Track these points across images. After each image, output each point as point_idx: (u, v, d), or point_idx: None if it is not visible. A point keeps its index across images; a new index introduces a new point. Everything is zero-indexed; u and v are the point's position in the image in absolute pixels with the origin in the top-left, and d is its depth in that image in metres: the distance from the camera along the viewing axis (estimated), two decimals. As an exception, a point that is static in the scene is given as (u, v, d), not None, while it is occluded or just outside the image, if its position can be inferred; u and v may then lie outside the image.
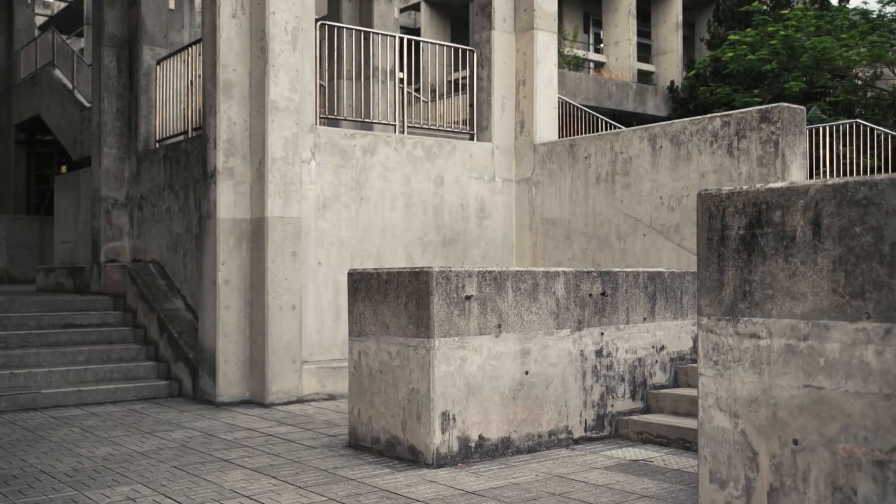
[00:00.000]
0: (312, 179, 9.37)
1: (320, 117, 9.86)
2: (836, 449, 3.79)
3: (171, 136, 11.35)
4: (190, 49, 10.76)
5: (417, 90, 13.93)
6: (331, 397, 9.07)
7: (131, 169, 11.85)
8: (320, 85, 10.07)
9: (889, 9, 19.01)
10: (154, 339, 10.22)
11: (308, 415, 8.14)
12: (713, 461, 4.27)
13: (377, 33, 11.14)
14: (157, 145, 11.61)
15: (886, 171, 11.51)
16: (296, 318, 8.86)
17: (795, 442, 3.95)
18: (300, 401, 8.85)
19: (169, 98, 11.35)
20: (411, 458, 6.05)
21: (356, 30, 10.98)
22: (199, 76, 10.10)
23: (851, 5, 21.35)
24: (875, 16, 18.82)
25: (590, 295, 6.75)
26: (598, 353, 6.82)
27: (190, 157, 10.38)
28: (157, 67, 11.61)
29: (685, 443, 6.41)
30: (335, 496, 5.16)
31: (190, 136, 10.73)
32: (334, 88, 11.58)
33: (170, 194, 10.85)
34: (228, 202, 8.89)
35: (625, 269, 7.12)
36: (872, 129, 11.69)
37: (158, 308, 10.23)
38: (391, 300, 6.24)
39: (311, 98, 9.31)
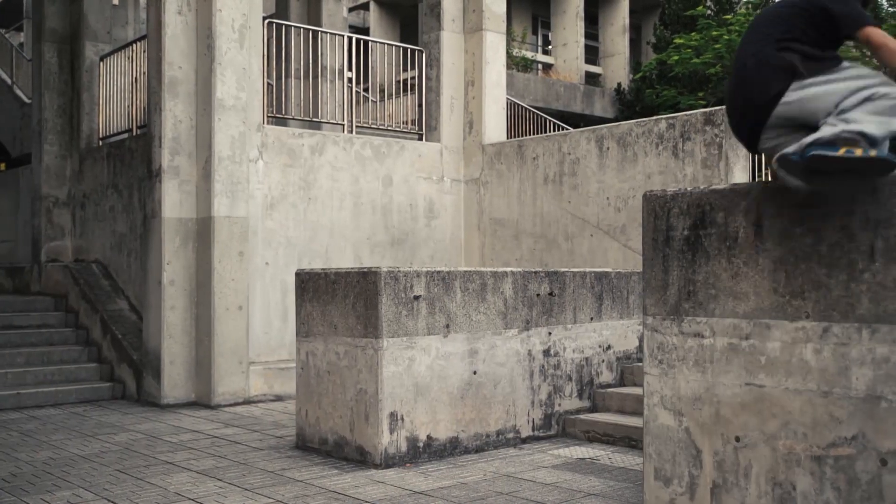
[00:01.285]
0: (260, 179, 9.29)
1: (268, 116, 9.78)
2: (777, 445, 3.88)
3: (114, 134, 11.16)
4: (135, 45, 10.59)
5: (366, 90, 13.88)
6: (278, 398, 9.00)
7: (73, 167, 11.62)
8: (268, 83, 9.99)
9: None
10: (97, 340, 10.03)
11: (255, 416, 8.07)
12: (658, 459, 4.34)
13: (326, 32, 11.08)
14: (101, 143, 11.40)
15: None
16: (243, 318, 8.77)
17: (737, 439, 4.03)
18: (247, 402, 8.76)
19: (113, 95, 11.15)
20: (359, 458, 6.04)
21: (304, 28, 10.91)
22: (144, 73, 9.94)
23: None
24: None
25: (537, 295, 6.80)
26: (546, 353, 6.88)
27: (134, 156, 10.22)
28: (101, 64, 11.40)
29: (631, 441, 6.49)
30: (282, 498, 5.12)
31: (134, 133, 10.56)
32: (282, 87, 11.49)
33: (113, 193, 10.66)
34: (174, 201, 8.77)
35: (572, 270, 7.18)
36: (812, 133, 11.95)
37: (102, 309, 10.05)
38: (339, 300, 6.22)
39: (258, 97, 9.22)
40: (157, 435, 7.20)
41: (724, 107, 8.54)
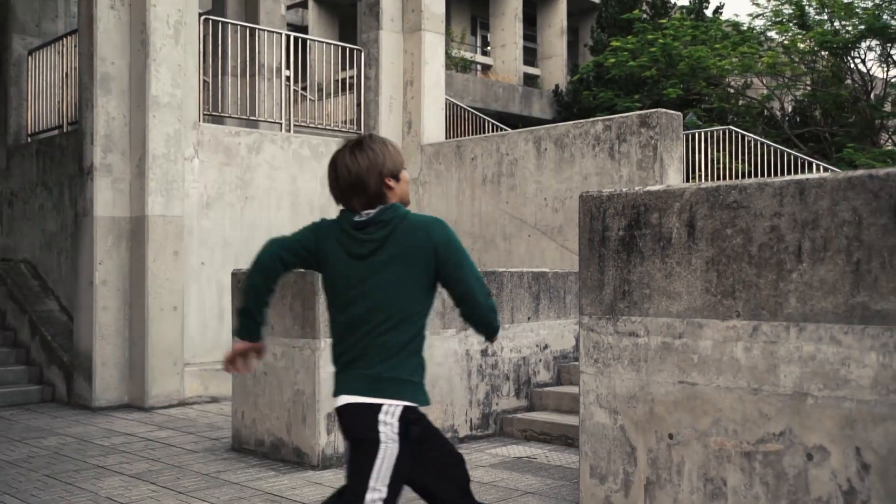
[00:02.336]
0: (195, 177, 9.15)
1: (204, 114, 9.64)
2: (708, 442, 3.96)
3: (44, 130, 10.88)
4: (65, 40, 10.33)
5: (304, 88, 13.78)
6: (214, 400, 8.87)
7: (0, 164, 11.29)
8: (204, 81, 9.84)
9: (758, 22, 19.96)
10: (25, 341, 9.77)
11: (190, 418, 7.95)
12: (594, 457, 4.39)
13: (263, 30, 10.97)
14: (30, 139, 11.11)
15: (755, 175, 12.07)
16: (177, 319, 8.63)
17: (671, 436, 4.10)
18: (182, 404, 8.63)
19: (42, 90, 10.87)
20: (296, 460, 5.99)
21: (241, 25, 10.78)
22: (75, 68, 9.71)
23: (724, 17, 22.32)
24: (745, 28, 19.72)
25: (476, 295, 6.82)
26: (484, 353, 6.91)
27: (65, 153, 9.97)
28: (30, 58, 11.10)
29: (567, 439, 6.56)
30: (217, 501, 5.05)
31: (65, 130, 10.31)
32: (219, 85, 11.33)
33: (43, 191, 10.39)
34: (106, 200, 8.59)
35: (510, 270, 7.23)
36: (743, 136, 12.24)
37: (30, 309, 9.78)
38: (276, 301, 6.15)
39: (194, 94, 9.08)
40: (88, 438, 7.04)
41: (659, 110, 8.70)
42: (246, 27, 10.83)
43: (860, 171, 3.55)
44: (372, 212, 2.80)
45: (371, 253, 2.78)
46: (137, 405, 8.50)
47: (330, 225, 2.90)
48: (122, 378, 8.62)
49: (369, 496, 2.67)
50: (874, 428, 3.44)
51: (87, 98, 8.67)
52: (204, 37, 9.62)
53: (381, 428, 2.70)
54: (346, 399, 2.76)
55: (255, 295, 2.95)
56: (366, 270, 2.77)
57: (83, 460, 6.22)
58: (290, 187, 9.97)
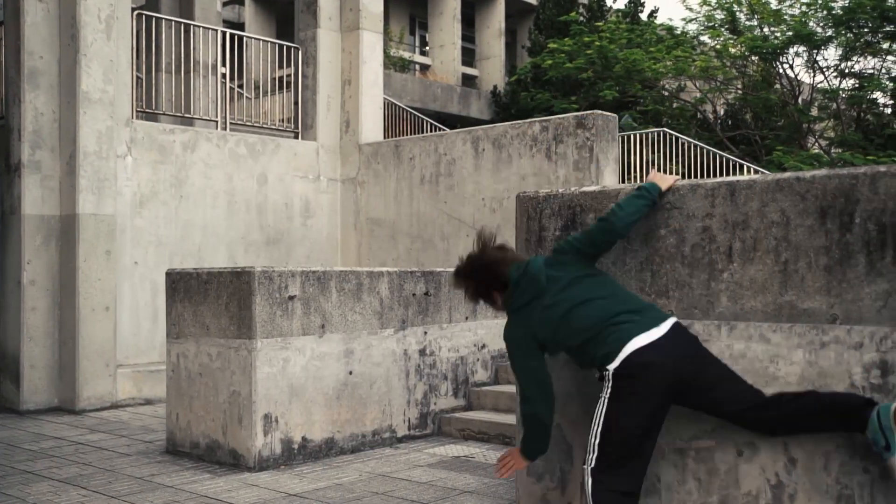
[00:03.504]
0: (128, 175, 8.98)
1: (137, 111, 9.46)
2: (643, 439, 4.01)
3: (-31, 126, 10.53)
4: (-9, 33, 10.03)
5: (241, 86, 13.60)
6: (148, 402, 8.72)
7: (-77, 160, 10.91)
8: (137, 77, 9.66)
9: (691, 26, 20.36)
10: (-51, 344, 9.46)
11: (123, 421, 7.79)
12: (530, 454, 4.41)
13: (198, 26, 10.81)
14: (-46, 135, 10.75)
15: (688, 177, 12.30)
16: (110, 319, 8.45)
17: (606, 433, 4.14)
18: (114, 406, 8.46)
19: (-33, 85, 10.52)
20: (232, 462, 5.92)
21: (176, 21, 10.60)
22: (2, 62, 9.44)
23: (658, 21, 22.70)
24: (679, 32, 20.09)
25: (413, 295, 6.84)
26: (422, 353, 6.92)
27: (-9, 149, 9.68)
28: (-46, 51, 10.74)
29: (505, 438, 6.61)
30: (151, 505, 4.97)
31: (-9, 126, 10.01)
32: (152, 81, 11.13)
33: (-32, 188, 10.07)
34: (35, 198, 8.37)
35: (448, 269, 7.24)
36: (677, 138, 12.46)
37: (-46, 311, 9.48)
38: (212, 301, 6.08)
39: (127, 90, 8.91)
40: (14, 443, 6.85)
41: (595, 111, 8.81)
42: (181, 23, 10.66)
43: (788, 174, 3.65)
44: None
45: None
46: (68, 408, 8.31)
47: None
48: (52, 381, 8.41)
49: None
50: (801, 423, 3.54)
51: (15, 93, 8.44)
52: (137, 32, 9.44)
53: None
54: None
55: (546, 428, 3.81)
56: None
57: (10, 466, 6.05)
58: (226, 186, 9.85)
